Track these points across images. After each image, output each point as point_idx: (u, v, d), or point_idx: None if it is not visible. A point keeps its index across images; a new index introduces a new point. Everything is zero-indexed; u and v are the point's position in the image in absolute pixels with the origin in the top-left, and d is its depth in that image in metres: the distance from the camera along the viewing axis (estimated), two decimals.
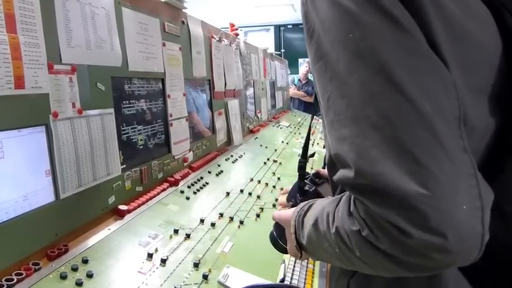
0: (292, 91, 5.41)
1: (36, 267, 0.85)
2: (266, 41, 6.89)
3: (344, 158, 0.44)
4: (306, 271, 1.15)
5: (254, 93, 3.03)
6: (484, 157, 0.45)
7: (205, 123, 2.02)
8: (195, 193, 1.50)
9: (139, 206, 1.25)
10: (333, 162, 0.47)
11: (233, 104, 2.42)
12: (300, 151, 0.81)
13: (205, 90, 2.07)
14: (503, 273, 0.46)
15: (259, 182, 1.79)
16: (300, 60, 7.11)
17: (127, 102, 1.30)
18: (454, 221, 0.37)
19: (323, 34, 0.47)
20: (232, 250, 1.16)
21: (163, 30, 1.55)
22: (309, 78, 5.83)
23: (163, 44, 1.54)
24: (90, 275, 0.88)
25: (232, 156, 2.11)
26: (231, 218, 1.35)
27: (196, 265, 1.02)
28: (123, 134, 1.26)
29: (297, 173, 0.78)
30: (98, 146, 1.11)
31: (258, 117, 3.03)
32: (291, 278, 1.09)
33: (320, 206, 0.54)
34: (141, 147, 1.37)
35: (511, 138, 0.45)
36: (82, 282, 0.84)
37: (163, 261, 1.00)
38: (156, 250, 1.04)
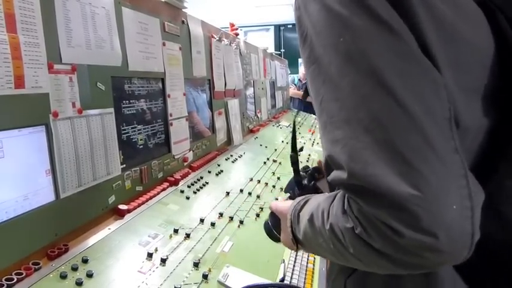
0: (292, 91, 5.41)
1: (36, 266, 0.85)
2: (266, 41, 6.88)
3: (337, 159, 0.44)
4: (306, 271, 1.16)
5: (254, 93, 3.03)
6: (478, 157, 0.46)
7: (205, 123, 2.02)
8: (195, 193, 1.50)
9: (139, 205, 1.25)
10: (328, 163, 0.48)
11: (233, 104, 2.42)
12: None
13: (205, 90, 2.07)
14: (500, 272, 0.46)
15: (259, 181, 1.79)
16: (300, 60, 7.08)
17: (127, 101, 1.30)
18: (444, 221, 0.38)
19: (315, 38, 0.48)
20: (232, 250, 1.16)
21: (163, 30, 1.55)
22: None
23: (164, 44, 1.54)
24: (90, 275, 0.88)
25: (232, 156, 2.11)
26: (231, 218, 1.35)
27: (196, 265, 1.02)
28: (123, 133, 1.26)
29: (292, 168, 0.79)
30: (98, 146, 1.11)
31: (258, 117, 3.03)
32: (291, 278, 1.10)
33: (316, 202, 0.55)
34: (141, 146, 1.37)
35: (504, 138, 0.45)
36: (82, 282, 0.85)
37: (163, 261, 1.00)
38: (156, 250, 1.04)
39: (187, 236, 1.16)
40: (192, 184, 1.56)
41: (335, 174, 0.45)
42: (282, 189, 1.68)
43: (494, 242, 0.45)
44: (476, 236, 0.40)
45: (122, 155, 1.23)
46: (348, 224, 0.44)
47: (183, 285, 0.94)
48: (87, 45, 1.09)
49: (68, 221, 0.99)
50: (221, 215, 1.36)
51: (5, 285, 0.78)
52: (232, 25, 3.04)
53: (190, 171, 1.68)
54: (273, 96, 3.81)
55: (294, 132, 0.79)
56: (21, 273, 0.82)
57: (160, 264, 0.99)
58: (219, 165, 1.89)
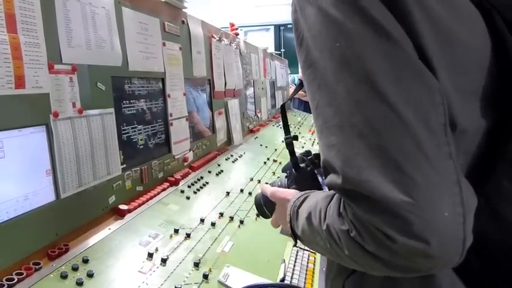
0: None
1: (37, 266, 0.85)
2: (266, 41, 6.87)
3: (332, 164, 0.45)
4: (306, 271, 1.16)
5: (254, 92, 3.03)
6: (476, 158, 0.45)
7: (205, 123, 2.02)
8: (195, 193, 1.50)
9: (139, 205, 1.25)
10: (325, 166, 0.48)
11: (233, 104, 2.42)
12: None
13: (206, 90, 2.07)
14: (499, 273, 0.46)
15: (259, 181, 1.80)
16: None
17: (127, 102, 1.30)
18: (436, 228, 0.39)
19: (311, 42, 0.48)
20: (233, 250, 1.16)
21: (163, 30, 1.55)
22: None
23: (164, 44, 1.54)
24: (90, 275, 0.88)
25: (232, 155, 2.11)
26: (231, 218, 1.35)
27: (196, 265, 1.02)
28: (123, 133, 1.26)
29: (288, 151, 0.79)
30: (98, 146, 1.11)
31: (258, 116, 3.03)
32: (291, 278, 1.10)
33: (314, 200, 0.55)
34: (142, 146, 1.37)
35: (501, 139, 0.45)
36: (82, 282, 0.85)
37: (164, 261, 1.00)
38: (157, 250, 1.04)
39: (188, 236, 1.16)
40: (193, 184, 1.56)
41: (330, 178, 0.46)
42: None
43: (492, 242, 0.45)
44: (468, 242, 0.40)
45: (122, 155, 1.23)
46: (344, 226, 0.45)
47: (183, 285, 0.94)
48: (87, 45, 1.09)
49: (69, 221, 0.99)
50: (221, 215, 1.36)
51: (6, 285, 0.78)
52: (232, 25, 3.04)
53: (190, 171, 1.68)
54: (273, 96, 3.81)
55: (284, 116, 0.80)
56: (22, 273, 0.82)
57: (161, 264, 0.99)
58: (219, 165, 1.89)
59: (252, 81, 3.01)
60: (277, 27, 8.07)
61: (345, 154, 0.43)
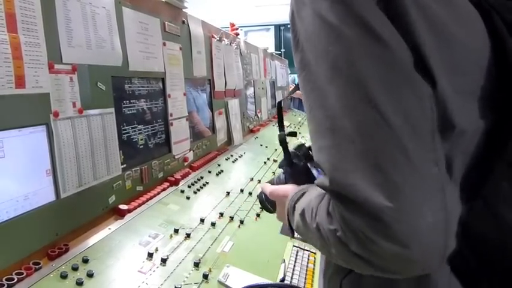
0: None
1: (37, 266, 0.85)
2: (266, 41, 6.88)
3: (322, 166, 0.46)
4: (306, 271, 1.16)
5: (254, 92, 3.03)
6: (475, 159, 0.45)
7: (205, 123, 2.02)
8: (195, 193, 1.50)
9: (139, 205, 1.25)
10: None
11: (233, 104, 2.42)
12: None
13: (206, 90, 2.07)
14: (495, 272, 0.46)
15: (259, 181, 1.79)
16: None
17: (127, 101, 1.30)
18: (417, 234, 0.40)
19: (306, 44, 0.48)
20: (233, 250, 1.16)
21: (163, 29, 1.55)
22: None
23: (164, 44, 1.54)
24: (90, 275, 0.88)
25: (232, 155, 2.11)
26: (231, 218, 1.35)
27: (196, 265, 1.02)
28: (123, 133, 1.26)
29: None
30: (99, 146, 1.11)
31: (258, 116, 3.03)
32: (291, 278, 1.10)
33: (309, 198, 0.56)
34: (142, 146, 1.37)
35: (500, 139, 0.45)
36: (82, 282, 0.85)
37: (164, 261, 1.00)
38: (157, 250, 1.04)
39: (188, 236, 1.16)
40: (193, 184, 1.56)
41: (320, 180, 0.47)
42: None
43: (489, 242, 0.45)
44: (450, 248, 0.41)
45: (122, 155, 1.23)
46: (331, 226, 0.46)
47: (183, 285, 0.94)
48: (87, 45, 1.09)
49: (69, 220, 0.99)
50: (221, 215, 1.36)
51: (6, 285, 0.78)
52: (232, 25, 3.04)
53: (190, 171, 1.68)
54: (273, 96, 3.81)
55: (279, 110, 0.81)
56: (22, 273, 0.82)
57: (161, 264, 0.99)
58: (219, 165, 1.89)
59: (252, 81, 3.01)
60: (277, 27, 8.08)
61: (334, 157, 0.44)
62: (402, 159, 0.40)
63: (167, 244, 1.09)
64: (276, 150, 2.47)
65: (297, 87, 0.75)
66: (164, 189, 1.42)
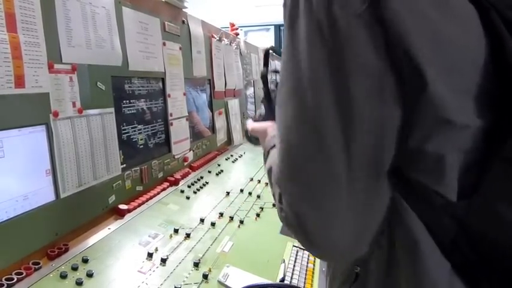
0: None
1: (36, 266, 0.85)
2: (266, 41, 6.87)
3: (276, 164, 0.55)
4: (306, 271, 1.15)
5: (254, 92, 3.03)
6: (473, 157, 0.45)
7: (205, 123, 2.02)
8: (195, 193, 1.50)
9: (139, 205, 1.25)
10: None
11: (233, 104, 2.42)
12: None
13: (206, 90, 2.07)
14: (494, 271, 0.46)
15: (259, 181, 1.79)
16: None
17: (127, 101, 1.30)
18: (329, 241, 0.49)
19: (282, 56, 0.53)
20: (232, 250, 1.16)
21: (163, 29, 1.55)
22: None
23: (164, 44, 1.54)
24: (90, 275, 0.88)
25: (232, 155, 2.11)
26: (231, 218, 1.35)
27: (196, 264, 1.02)
28: (123, 133, 1.26)
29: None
30: (98, 146, 1.11)
31: None
32: (291, 278, 1.09)
33: (275, 156, 0.60)
34: (141, 146, 1.37)
35: (497, 137, 0.45)
36: (82, 282, 0.84)
37: (163, 261, 1.00)
38: (156, 249, 1.04)
39: (188, 235, 1.16)
40: (192, 184, 1.56)
41: (274, 169, 0.55)
42: None
43: (489, 239, 0.45)
44: (362, 252, 0.50)
45: (122, 155, 1.23)
46: (278, 203, 0.54)
47: (183, 285, 0.94)
48: (87, 45, 1.09)
49: (68, 220, 0.99)
50: (221, 215, 1.36)
51: (5, 285, 0.78)
52: (232, 25, 3.04)
53: (190, 171, 1.68)
54: None
55: (266, 55, 0.89)
56: (21, 273, 0.82)
57: (161, 264, 0.99)
58: (219, 165, 1.89)
59: (252, 81, 3.01)
60: (278, 27, 8.07)
61: (278, 166, 0.52)
62: (327, 178, 0.46)
63: (167, 244, 1.09)
64: None
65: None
66: (164, 189, 1.42)
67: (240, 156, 2.15)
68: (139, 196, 1.29)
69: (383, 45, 0.43)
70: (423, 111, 0.44)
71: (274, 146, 0.64)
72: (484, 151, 0.45)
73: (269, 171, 0.62)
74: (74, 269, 0.88)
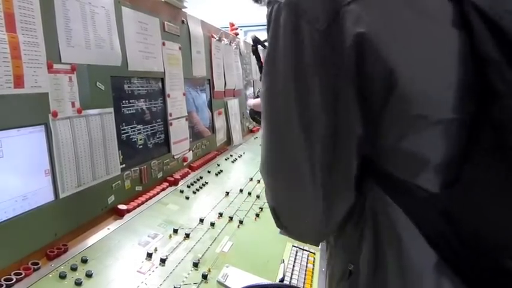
0: None
1: (36, 266, 0.85)
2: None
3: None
4: (306, 271, 1.15)
5: (254, 92, 3.03)
6: (456, 148, 0.46)
7: (205, 123, 2.02)
8: (194, 193, 1.50)
9: (138, 205, 1.25)
10: None
11: (233, 104, 2.42)
12: None
13: (205, 90, 2.07)
14: (482, 260, 0.46)
15: (258, 181, 1.79)
16: None
17: (127, 101, 1.29)
18: (298, 229, 0.63)
19: (264, 64, 0.59)
20: (232, 250, 1.16)
21: (163, 29, 1.55)
22: None
23: (163, 44, 1.54)
24: (89, 275, 0.87)
25: (231, 155, 2.10)
26: (231, 218, 1.35)
27: (195, 265, 1.02)
28: (122, 133, 1.26)
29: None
30: (98, 146, 1.11)
31: None
32: (291, 278, 1.09)
33: None
34: (141, 146, 1.37)
35: (478, 130, 0.45)
36: (81, 282, 0.84)
37: (163, 261, 1.00)
38: (156, 250, 1.04)
39: (187, 236, 1.16)
40: (192, 184, 1.56)
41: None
42: None
43: (470, 227, 0.46)
44: (327, 236, 0.65)
45: (121, 155, 1.23)
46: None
47: (182, 285, 0.93)
48: (86, 45, 1.09)
49: (67, 221, 0.99)
50: (221, 215, 1.36)
51: (4, 286, 0.78)
52: (232, 25, 3.03)
53: (189, 171, 1.68)
54: None
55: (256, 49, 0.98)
56: (20, 273, 0.81)
57: (160, 264, 0.99)
58: (218, 165, 1.89)
59: (252, 81, 3.01)
60: None
61: (261, 157, 0.61)
62: (300, 184, 0.55)
63: (166, 244, 1.09)
64: None
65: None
66: (163, 189, 1.42)
67: (239, 156, 2.15)
68: (138, 196, 1.29)
69: (345, 57, 0.47)
70: (395, 111, 0.46)
71: None
72: (465, 142, 0.46)
73: None
74: (73, 269, 0.88)
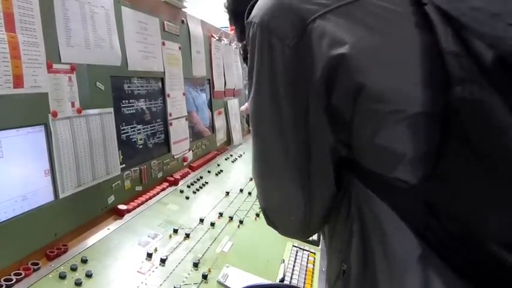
0: None
1: (35, 267, 0.85)
2: None
3: None
4: (306, 271, 1.15)
5: None
6: (428, 140, 0.47)
7: (205, 123, 2.02)
8: (194, 193, 1.50)
9: (138, 205, 1.25)
10: None
11: (233, 104, 2.42)
12: None
13: (205, 90, 2.07)
14: (467, 249, 0.46)
15: None
16: None
17: (126, 101, 1.29)
18: (285, 227, 0.68)
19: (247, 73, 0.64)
20: (232, 250, 1.16)
21: (162, 29, 1.55)
22: None
23: (163, 43, 1.54)
24: (89, 275, 0.87)
25: (231, 155, 2.10)
26: (231, 218, 1.35)
27: (195, 265, 1.02)
28: (122, 133, 1.26)
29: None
30: (97, 146, 1.11)
31: None
32: (291, 278, 1.09)
33: None
34: (141, 146, 1.37)
35: (451, 123, 0.45)
36: (81, 282, 0.84)
37: (163, 261, 1.00)
38: (156, 250, 1.04)
39: (187, 236, 1.16)
40: (192, 184, 1.56)
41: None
42: None
43: (454, 218, 0.46)
44: (314, 232, 0.69)
45: (121, 155, 1.23)
46: None
47: (182, 285, 0.93)
48: (86, 45, 1.08)
49: (67, 221, 0.99)
50: (221, 214, 1.36)
51: (4, 286, 0.78)
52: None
53: (190, 171, 1.68)
54: None
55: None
56: (20, 274, 0.81)
57: (160, 264, 0.99)
58: (218, 165, 1.88)
59: None
60: None
61: (252, 165, 0.67)
62: (279, 186, 0.61)
63: (166, 244, 1.09)
64: None
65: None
66: (163, 189, 1.42)
67: (239, 156, 2.14)
68: (138, 196, 1.29)
69: (315, 72, 0.50)
70: (364, 111, 0.49)
71: None
72: (439, 135, 0.47)
73: None
74: (73, 269, 0.88)
